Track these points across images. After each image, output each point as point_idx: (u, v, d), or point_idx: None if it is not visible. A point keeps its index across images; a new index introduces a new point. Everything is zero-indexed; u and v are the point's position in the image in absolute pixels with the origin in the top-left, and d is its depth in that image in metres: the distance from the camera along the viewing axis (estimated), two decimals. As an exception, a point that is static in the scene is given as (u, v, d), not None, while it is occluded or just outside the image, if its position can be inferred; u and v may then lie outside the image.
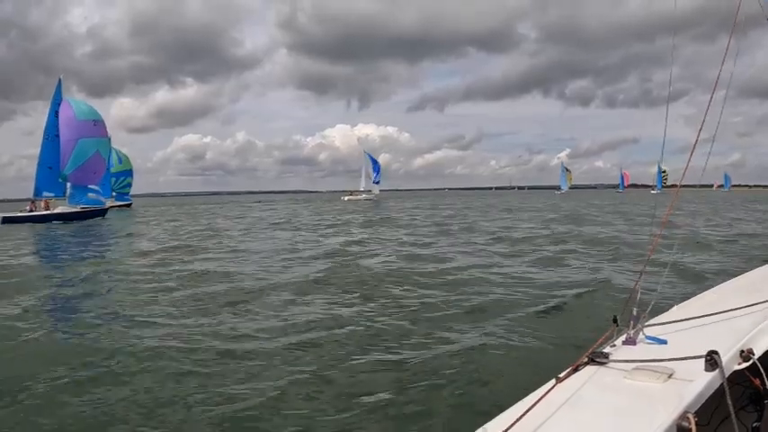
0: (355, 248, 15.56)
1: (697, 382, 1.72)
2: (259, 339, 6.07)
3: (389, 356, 5.39)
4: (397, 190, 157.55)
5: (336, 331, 6.30)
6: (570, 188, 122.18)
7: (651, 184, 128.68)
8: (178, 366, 5.10)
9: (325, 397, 4.41)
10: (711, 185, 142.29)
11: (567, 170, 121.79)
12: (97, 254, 15.72)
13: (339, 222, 29.60)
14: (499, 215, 34.01)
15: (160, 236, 22.06)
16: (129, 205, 61.13)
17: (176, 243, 18.35)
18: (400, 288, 9.07)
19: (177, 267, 12.15)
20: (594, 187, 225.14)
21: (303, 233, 22.16)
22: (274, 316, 7.24)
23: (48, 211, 33.32)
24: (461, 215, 34.73)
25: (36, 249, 18.84)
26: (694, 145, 2.65)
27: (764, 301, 2.53)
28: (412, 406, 4.21)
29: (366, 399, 4.33)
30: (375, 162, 79.15)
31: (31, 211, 33.39)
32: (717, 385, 1.74)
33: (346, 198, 73.45)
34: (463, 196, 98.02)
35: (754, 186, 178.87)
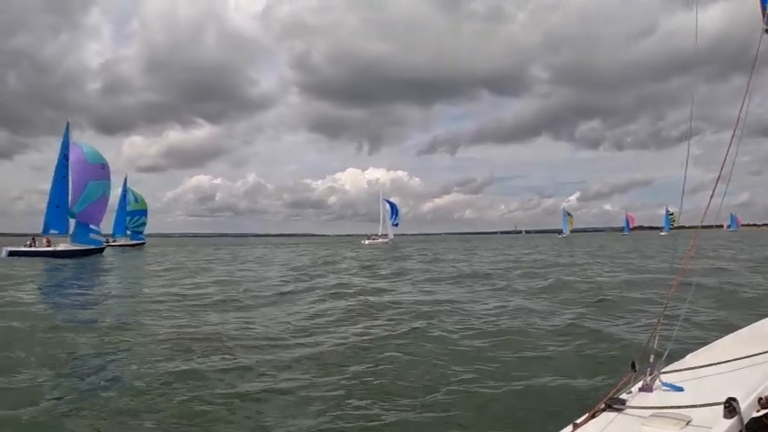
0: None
1: (715, 430, 1.70)
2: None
3: (395, 405, 5.22)
4: (404, 234, 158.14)
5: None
6: (572, 231, 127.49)
7: (659, 225, 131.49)
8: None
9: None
10: (722, 226, 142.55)
11: (569, 214, 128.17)
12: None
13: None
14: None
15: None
16: (142, 244, 61.98)
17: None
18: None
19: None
20: (602, 230, 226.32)
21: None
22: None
23: (49, 248, 35.86)
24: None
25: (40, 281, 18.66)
26: (716, 184, 2.67)
27: None
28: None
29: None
30: (393, 205, 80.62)
31: (31, 246, 36.28)
32: None
33: (366, 242, 73.97)
34: (458, 241, 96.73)
35: (763, 225, 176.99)
